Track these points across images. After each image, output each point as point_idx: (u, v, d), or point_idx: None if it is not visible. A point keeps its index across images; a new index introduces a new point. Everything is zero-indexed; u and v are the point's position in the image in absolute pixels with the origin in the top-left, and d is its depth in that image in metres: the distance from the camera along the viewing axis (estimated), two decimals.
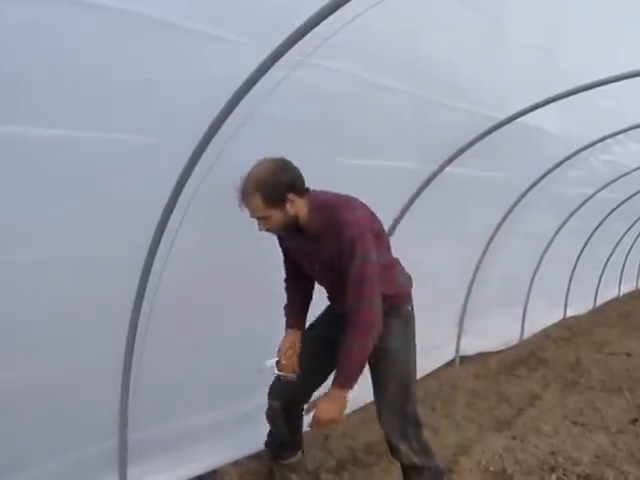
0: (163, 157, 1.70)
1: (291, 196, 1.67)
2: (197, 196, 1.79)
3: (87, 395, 1.92)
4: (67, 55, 1.32)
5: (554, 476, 2.63)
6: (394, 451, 1.93)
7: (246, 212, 1.69)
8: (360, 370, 1.73)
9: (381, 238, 1.80)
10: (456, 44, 2.05)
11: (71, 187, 1.57)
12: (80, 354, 1.86)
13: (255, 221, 1.72)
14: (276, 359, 1.97)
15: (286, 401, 2.04)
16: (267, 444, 2.28)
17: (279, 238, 1.97)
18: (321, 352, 1.96)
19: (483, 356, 4.49)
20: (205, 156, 1.73)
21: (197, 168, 1.75)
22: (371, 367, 1.89)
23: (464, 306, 4.07)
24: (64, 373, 1.84)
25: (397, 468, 2.15)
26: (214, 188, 1.79)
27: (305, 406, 1.88)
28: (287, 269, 2.06)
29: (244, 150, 1.72)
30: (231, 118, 1.66)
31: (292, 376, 1.94)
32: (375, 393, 1.93)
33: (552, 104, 2.58)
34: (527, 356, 4.64)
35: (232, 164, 1.70)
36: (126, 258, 1.84)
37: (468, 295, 4.04)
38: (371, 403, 3.01)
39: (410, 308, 1.92)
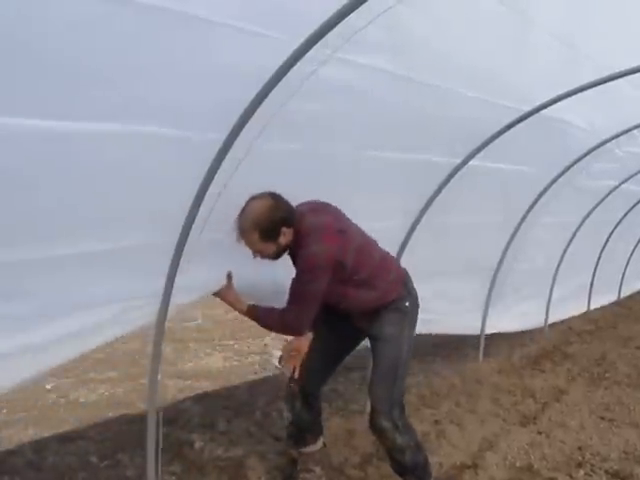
0: (191, 150, 1.72)
1: (284, 230, 1.88)
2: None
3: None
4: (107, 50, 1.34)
5: (582, 472, 2.60)
6: (377, 429, 2.06)
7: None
8: (260, 322, 2.03)
9: (361, 254, 1.98)
10: (481, 36, 2.02)
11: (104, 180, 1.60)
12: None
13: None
14: (280, 354, 2.16)
15: (305, 384, 2.19)
16: (289, 434, 2.35)
17: None
18: (341, 335, 2.18)
19: (507, 351, 4.45)
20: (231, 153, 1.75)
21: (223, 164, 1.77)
22: (371, 349, 2.12)
23: (487, 300, 4.03)
24: None
25: None
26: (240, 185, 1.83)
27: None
28: None
29: (273, 145, 1.77)
30: (256, 115, 1.67)
31: (288, 374, 2.15)
32: (372, 371, 2.12)
33: (577, 95, 2.54)
34: (551, 350, 4.58)
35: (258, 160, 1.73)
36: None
37: (491, 288, 4.01)
38: None
39: (407, 304, 2.09)
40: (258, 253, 1.91)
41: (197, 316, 5.39)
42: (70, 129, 1.41)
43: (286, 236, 1.89)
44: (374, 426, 2.06)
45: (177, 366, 3.90)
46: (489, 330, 4.17)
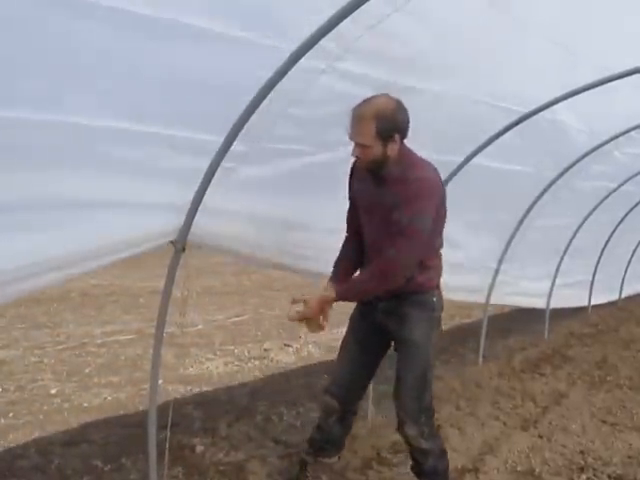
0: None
1: (396, 137, 1.75)
2: None
3: None
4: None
5: (584, 476, 2.58)
6: (404, 435, 2.01)
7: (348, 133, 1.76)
8: (357, 298, 1.95)
9: (438, 223, 1.87)
10: (478, 38, 2.03)
11: None
12: None
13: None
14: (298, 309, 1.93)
15: (343, 400, 2.10)
16: (311, 439, 2.23)
17: (352, 183, 2.01)
18: (366, 338, 2.06)
19: (507, 354, 4.45)
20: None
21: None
22: (397, 358, 2.00)
23: (485, 303, 4.04)
24: None
25: None
26: None
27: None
28: (349, 224, 2.08)
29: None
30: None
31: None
32: (396, 379, 2.01)
33: (575, 97, 2.56)
34: (551, 354, 4.58)
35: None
36: None
37: (490, 290, 4.01)
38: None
39: (435, 299, 1.98)
40: (360, 149, 1.74)
41: (198, 321, 5.41)
42: None
43: (394, 148, 1.75)
44: (401, 431, 2.01)
45: (178, 371, 3.92)
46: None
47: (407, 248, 1.77)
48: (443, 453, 2.11)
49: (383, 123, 1.70)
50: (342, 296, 1.87)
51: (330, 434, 2.19)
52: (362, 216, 1.97)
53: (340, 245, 2.09)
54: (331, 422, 2.14)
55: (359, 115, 1.72)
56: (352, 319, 2.16)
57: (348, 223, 2.09)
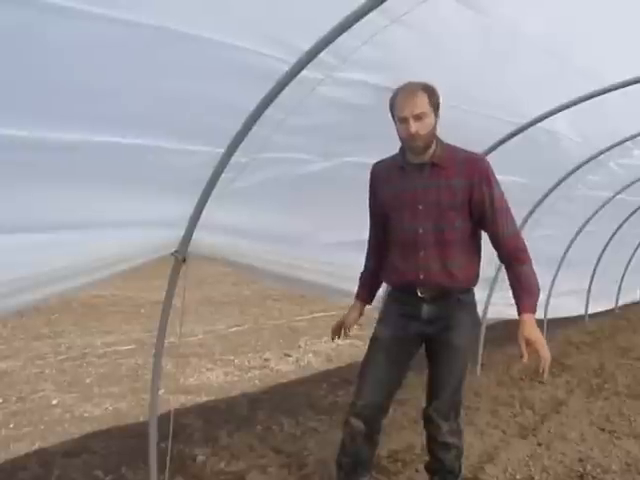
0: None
1: (438, 113, 1.81)
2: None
3: None
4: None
5: None
6: (432, 430, 2.01)
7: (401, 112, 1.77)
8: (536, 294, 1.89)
9: None
10: (473, 51, 2.07)
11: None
12: None
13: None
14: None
15: (370, 420, 2.02)
16: (339, 463, 2.08)
17: (375, 190, 2.01)
18: (396, 354, 2.00)
19: (505, 363, 4.46)
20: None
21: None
22: (433, 358, 1.99)
23: (483, 313, 4.05)
24: None
25: (422, 476, 2.17)
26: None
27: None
28: (374, 235, 2.09)
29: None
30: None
31: None
32: (432, 382, 2.01)
33: (570, 108, 2.60)
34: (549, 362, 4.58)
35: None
36: None
37: (487, 304, 4.03)
38: (394, 411, 3.09)
39: (475, 300, 1.99)
40: (419, 121, 1.75)
41: (198, 331, 5.43)
42: None
43: (437, 123, 1.80)
44: (428, 427, 2.01)
45: (179, 381, 3.93)
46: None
47: (511, 221, 1.87)
48: (461, 454, 2.10)
49: (431, 94, 1.77)
50: (536, 309, 1.86)
51: (358, 456, 2.08)
52: (398, 216, 1.94)
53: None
54: (358, 444, 2.02)
55: (409, 90, 1.76)
56: (378, 336, 2.05)
57: (373, 235, 2.08)
